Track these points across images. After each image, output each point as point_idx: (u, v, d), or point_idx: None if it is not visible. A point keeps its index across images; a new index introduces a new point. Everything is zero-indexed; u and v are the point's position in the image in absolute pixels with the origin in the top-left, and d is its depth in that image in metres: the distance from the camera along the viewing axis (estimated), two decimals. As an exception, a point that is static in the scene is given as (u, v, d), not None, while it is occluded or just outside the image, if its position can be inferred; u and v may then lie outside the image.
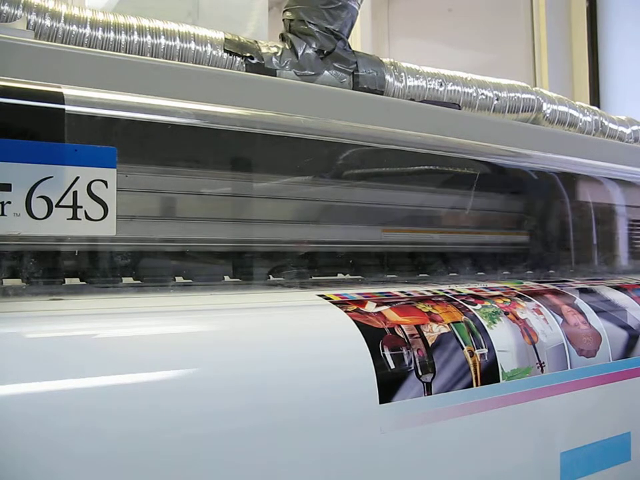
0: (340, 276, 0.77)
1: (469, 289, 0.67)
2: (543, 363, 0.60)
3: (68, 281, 0.58)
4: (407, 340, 0.52)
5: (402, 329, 0.53)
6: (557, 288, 0.73)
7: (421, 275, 0.82)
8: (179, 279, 0.64)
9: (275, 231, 0.71)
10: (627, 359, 0.68)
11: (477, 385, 0.55)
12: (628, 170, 1.03)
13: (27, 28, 0.64)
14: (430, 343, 0.54)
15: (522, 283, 0.74)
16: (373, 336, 0.51)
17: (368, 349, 0.50)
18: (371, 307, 0.55)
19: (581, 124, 1.11)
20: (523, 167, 0.90)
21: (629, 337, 0.69)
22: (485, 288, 0.68)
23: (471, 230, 0.88)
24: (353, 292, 0.60)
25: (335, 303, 0.55)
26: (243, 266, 0.69)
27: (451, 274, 0.84)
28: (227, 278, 0.67)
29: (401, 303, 0.58)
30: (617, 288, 0.78)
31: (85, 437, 0.38)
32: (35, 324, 0.44)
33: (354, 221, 0.78)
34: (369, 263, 0.78)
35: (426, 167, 0.81)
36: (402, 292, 0.62)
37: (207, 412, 0.43)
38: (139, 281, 0.61)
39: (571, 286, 0.75)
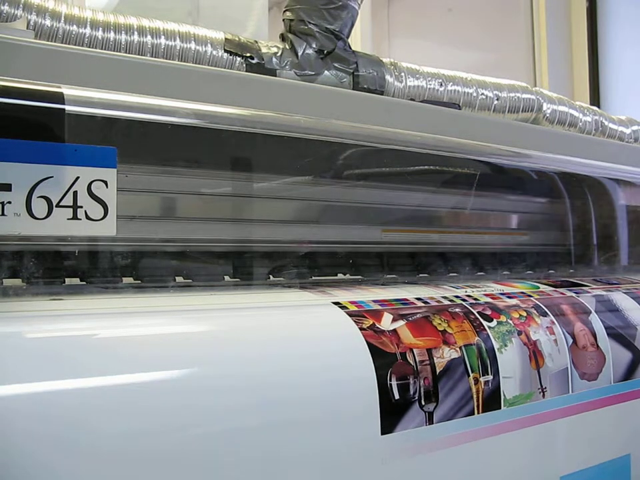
0: (340, 276, 0.77)
1: (486, 294, 0.66)
2: (545, 388, 0.60)
3: (68, 280, 0.58)
4: (416, 368, 0.52)
5: (413, 355, 0.52)
6: (574, 295, 0.72)
7: (420, 275, 0.82)
8: (179, 279, 0.64)
9: (275, 231, 0.71)
10: (628, 381, 0.68)
11: (478, 413, 0.55)
12: (628, 170, 1.03)
13: (27, 28, 0.64)
14: (438, 371, 0.53)
15: (538, 288, 0.73)
16: (383, 364, 0.50)
17: (376, 380, 0.49)
18: (386, 322, 0.54)
19: (580, 124, 1.11)
20: (523, 166, 0.90)
21: (632, 358, 0.69)
22: (501, 294, 0.67)
23: (471, 230, 0.88)
24: (368, 299, 0.59)
25: (350, 314, 0.54)
26: (243, 266, 0.69)
27: (450, 274, 0.84)
28: (227, 278, 0.67)
29: (418, 315, 0.57)
30: (634, 296, 0.77)
31: (85, 436, 0.38)
32: (35, 324, 0.44)
33: (354, 221, 0.78)
34: (369, 263, 0.78)
35: (426, 167, 0.81)
36: (419, 299, 0.61)
37: (206, 411, 0.43)
38: (139, 281, 0.61)
39: (589, 293, 0.74)
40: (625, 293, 0.77)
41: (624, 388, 0.67)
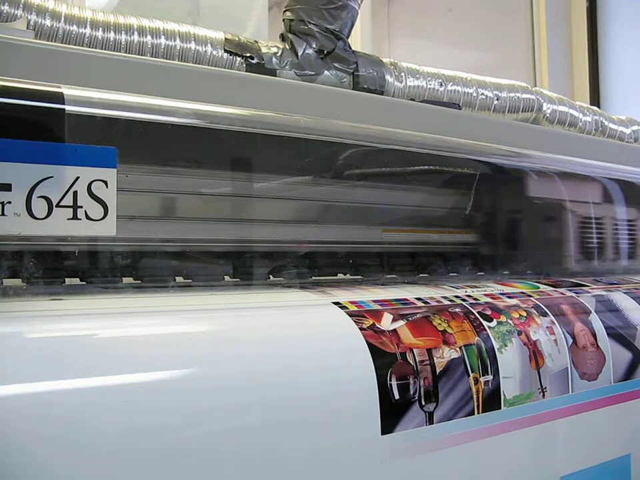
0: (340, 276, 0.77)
1: (486, 294, 0.66)
2: (545, 388, 0.60)
3: (68, 280, 0.58)
4: (416, 368, 0.52)
5: (413, 355, 0.52)
6: (574, 295, 0.72)
7: (420, 275, 0.82)
8: (179, 279, 0.64)
9: (275, 231, 0.71)
10: (628, 381, 0.68)
11: (478, 413, 0.55)
12: (628, 170, 1.03)
13: (27, 28, 0.64)
14: (438, 371, 0.53)
15: (538, 288, 0.73)
16: (383, 364, 0.50)
17: (376, 380, 0.49)
18: (386, 322, 0.54)
19: (580, 124, 1.11)
20: (522, 166, 0.90)
21: (632, 358, 0.69)
22: (501, 294, 0.67)
23: (470, 230, 0.88)
24: (368, 299, 0.59)
25: (350, 314, 0.54)
26: (243, 266, 0.69)
27: (450, 274, 0.84)
28: (227, 278, 0.67)
29: (418, 315, 0.57)
30: (634, 296, 0.77)
31: (85, 436, 0.38)
32: (35, 324, 0.44)
33: (354, 221, 0.78)
34: (369, 263, 0.78)
35: (426, 167, 0.81)
36: (419, 299, 0.61)
37: (206, 410, 0.43)
38: (139, 281, 0.61)
39: (589, 293, 0.74)
40: (625, 292, 0.77)
41: (624, 388, 0.67)
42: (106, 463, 0.39)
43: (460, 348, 0.55)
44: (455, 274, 0.83)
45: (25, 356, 0.40)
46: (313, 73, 0.79)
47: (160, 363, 0.43)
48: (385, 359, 0.51)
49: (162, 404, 0.41)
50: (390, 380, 0.50)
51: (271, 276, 0.71)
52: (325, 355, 0.50)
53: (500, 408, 0.56)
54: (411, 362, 0.52)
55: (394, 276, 0.79)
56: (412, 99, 0.88)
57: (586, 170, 0.97)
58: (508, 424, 0.57)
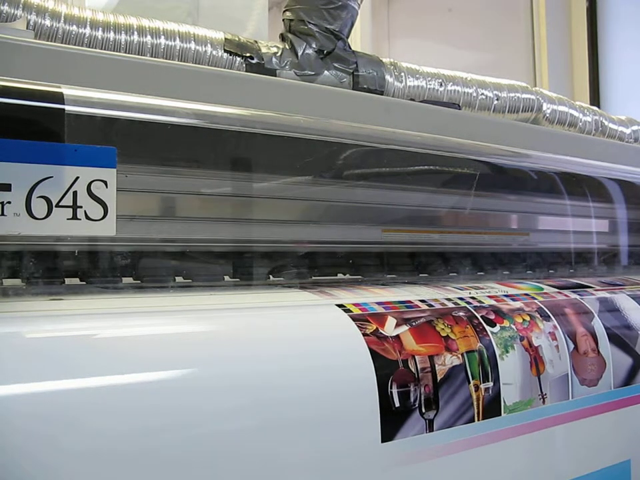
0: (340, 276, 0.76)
1: (490, 296, 0.66)
2: (545, 394, 0.60)
3: (68, 280, 0.58)
4: (417, 375, 0.52)
5: (415, 362, 0.52)
6: (578, 298, 0.71)
7: (421, 275, 0.82)
8: (179, 279, 0.64)
9: (275, 230, 0.71)
10: (628, 386, 0.68)
11: (478, 420, 0.55)
12: (628, 170, 1.03)
13: (27, 28, 0.64)
14: (439, 378, 0.53)
15: (542, 290, 0.72)
16: (385, 371, 0.50)
17: (377, 387, 0.49)
18: (390, 327, 0.53)
19: (580, 124, 1.11)
20: (522, 167, 0.90)
21: (633, 364, 0.69)
22: (505, 296, 0.67)
23: (471, 230, 0.87)
24: (371, 300, 0.58)
25: (354, 318, 0.53)
26: (243, 266, 0.68)
27: (450, 274, 0.84)
28: (227, 278, 0.67)
29: (422, 320, 0.56)
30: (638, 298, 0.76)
31: (85, 435, 0.38)
32: (35, 324, 0.44)
33: (354, 221, 0.77)
34: (369, 263, 0.78)
35: (426, 167, 0.81)
36: (423, 301, 0.60)
37: (205, 411, 0.43)
38: (139, 281, 0.61)
39: (592, 295, 0.74)
40: (629, 295, 0.76)
41: (624, 393, 0.67)
42: (106, 463, 0.38)
43: (462, 355, 0.55)
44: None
45: (25, 356, 0.40)
46: (313, 73, 0.79)
47: (160, 363, 0.43)
48: (386, 366, 0.51)
49: (162, 404, 0.41)
50: (391, 387, 0.50)
51: (270, 276, 0.71)
52: (327, 359, 0.50)
53: (500, 415, 0.56)
54: (412, 369, 0.52)
55: (394, 276, 0.79)
56: (412, 99, 0.88)
57: (586, 170, 0.97)
58: (508, 431, 0.57)
